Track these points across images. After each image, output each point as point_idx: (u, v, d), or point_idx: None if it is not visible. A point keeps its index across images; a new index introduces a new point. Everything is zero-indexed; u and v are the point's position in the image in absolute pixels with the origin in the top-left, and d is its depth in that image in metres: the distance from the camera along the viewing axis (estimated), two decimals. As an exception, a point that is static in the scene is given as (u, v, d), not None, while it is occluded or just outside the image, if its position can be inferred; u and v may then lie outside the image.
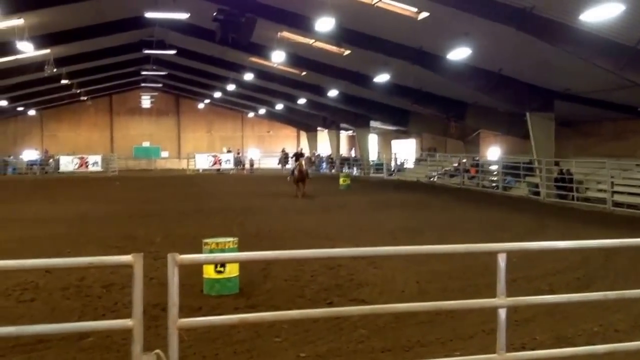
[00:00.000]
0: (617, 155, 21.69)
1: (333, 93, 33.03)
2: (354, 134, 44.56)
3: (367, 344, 6.23)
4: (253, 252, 6.29)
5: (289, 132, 56.76)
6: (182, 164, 47.74)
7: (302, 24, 21.05)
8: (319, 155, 50.22)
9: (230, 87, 39.02)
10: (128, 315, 6.64)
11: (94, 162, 42.90)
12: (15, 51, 23.52)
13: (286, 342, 6.24)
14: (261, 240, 12.39)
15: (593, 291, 7.42)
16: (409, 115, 34.82)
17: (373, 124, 41.21)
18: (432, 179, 33.29)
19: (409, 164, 41.40)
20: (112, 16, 24.62)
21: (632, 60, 15.34)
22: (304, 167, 22.44)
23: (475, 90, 23.43)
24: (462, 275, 9.18)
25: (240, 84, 37.20)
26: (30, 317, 7.10)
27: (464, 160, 30.93)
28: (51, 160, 43.92)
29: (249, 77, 32.95)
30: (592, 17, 13.95)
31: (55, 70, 27.42)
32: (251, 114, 53.97)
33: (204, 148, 50.99)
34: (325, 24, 18.71)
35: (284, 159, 47.35)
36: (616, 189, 19.52)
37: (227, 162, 45.13)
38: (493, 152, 33.58)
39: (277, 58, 25.59)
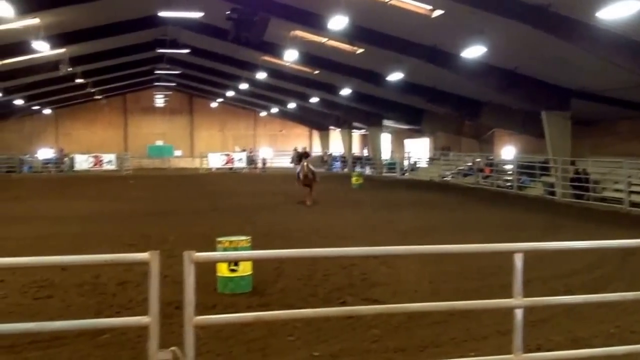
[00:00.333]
0: (634, 155, 21.42)
1: (346, 92, 32.98)
2: (367, 133, 44.47)
3: (380, 343, 6.21)
4: (267, 250, 6.30)
5: (301, 131, 56.78)
6: (195, 163, 47.91)
7: (315, 22, 21.01)
8: (331, 154, 50.19)
9: (243, 86, 39.08)
10: (142, 313, 6.67)
11: (109, 161, 43.18)
12: (31, 50, 23.71)
13: (299, 341, 6.24)
14: (273, 239, 12.39)
15: (610, 292, 7.34)
16: (423, 114, 34.68)
17: (386, 122, 41.08)
18: (445, 179, 33.15)
19: (422, 163, 41.24)
20: (126, 15, 24.74)
21: (650, 58, 15.18)
22: (307, 169, 19.65)
23: (490, 88, 23.26)
24: (476, 276, 9.13)
25: (253, 82, 37.26)
26: (47, 314, 7.16)
27: (478, 160, 30.77)
28: (66, 158, 44.27)
29: (261, 76, 32.99)
30: (609, 14, 13.80)
31: (70, 69, 27.63)
32: (263, 113, 54.05)
33: (216, 147, 51.13)
34: (338, 22, 18.67)
35: (296, 158, 47.36)
36: (633, 188, 19.30)
37: (240, 161, 45.23)
38: (508, 151, 33.36)
39: (290, 57, 25.59)
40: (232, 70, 35.86)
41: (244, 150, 48.00)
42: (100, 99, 48.42)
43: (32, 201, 21.68)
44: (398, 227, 14.70)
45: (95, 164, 42.65)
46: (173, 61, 37.23)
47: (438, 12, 17.88)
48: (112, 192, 25.84)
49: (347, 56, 25.45)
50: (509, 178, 27.90)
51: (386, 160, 43.34)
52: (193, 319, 3.98)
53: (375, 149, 41.22)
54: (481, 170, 29.91)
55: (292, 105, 44.36)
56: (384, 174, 39.40)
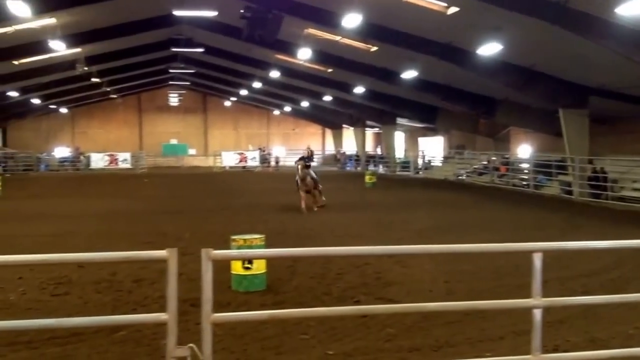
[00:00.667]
0: (653, 153, 21.19)
1: (359, 90, 32.91)
2: (380, 131, 44.35)
3: (394, 342, 6.19)
4: (282, 248, 6.31)
5: (314, 129, 56.77)
6: (209, 162, 48.10)
7: (328, 20, 20.97)
8: (344, 153, 50.14)
9: (257, 85, 39.16)
10: (158, 310, 6.74)
11: (124, 159, 43.46)
12: (47, 50, 23.96)
13: (313, 340, 6.24)
14: (287, 238, 12.40)
15: (628, 293, 7.24)
16: (437, 112, 34.50)
17: (400, 121, 40.94)
18: (460, 178, 32.97)
19: (437, 162, 41.05)
20: (141, 15, 24.89)
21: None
22: (302, 173, 17.31)
23: (506, 86, 23.07)
24: (492, 276, 9.06)
25: (266, 81, 37.31)
26: (65, 310, 7.23)
27: (494, 158, 30.55)
28: (82, 157, 44.66)
29: (275, 74, 33.02)
30: (629, 10, 13.62)
31: (86, 68, 27.89)
32: (277, 112, 54.12)
33: (230, 145, 51.29)
34: (352, 20, 18.64)
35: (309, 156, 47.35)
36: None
37: (253, 159, 45.34)
38: (524, 150, 33.10)
39: (303, 55, 25.60)
40: (245, 69, 35.94)
41: (259, 149, 48.10)
42: (116, 98, 48.79)
43: (49, 199, 21.89)
44: (412, 226, 14.64)
45: (111, 163, 42.96)
46: (187, 60, 37.38)
47: (453, 9, 17.76)
48: (128, 190, 26.02)
49: (361, 54, 25.39)
50: (525, 177, 27.68)
51: (400, 158, 43.20)
52: (210, 316, 4.01)
53: (389, 147, 41.10)
54: (497, 169, 29.70)
55: (305, 103, 44.36)
56: (398, 173, 39.28)
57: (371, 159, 45.45)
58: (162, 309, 6.66)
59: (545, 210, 18.20)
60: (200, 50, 31.05)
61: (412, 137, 47.52)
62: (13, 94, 34.47)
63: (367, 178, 28.28)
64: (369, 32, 21.10)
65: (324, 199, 18.13)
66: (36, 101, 39.65)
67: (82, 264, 9.04)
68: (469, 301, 6.71)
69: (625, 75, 18.78)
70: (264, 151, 48.03)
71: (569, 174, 22.84)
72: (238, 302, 7.49)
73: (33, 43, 23.51)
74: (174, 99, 54.09)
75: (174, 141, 53.93)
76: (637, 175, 20.34)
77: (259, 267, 8.08)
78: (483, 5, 16.10)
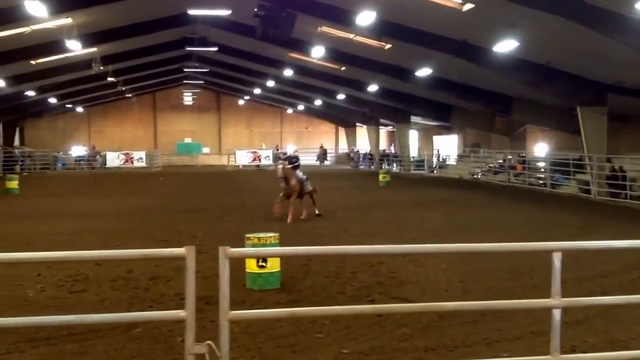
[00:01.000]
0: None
1: (373, 88, 32.80)
2: (394, 129, 44.20)
3: (410, 342, 6.17)
4: (297, 247, 6.30)
5: (328, 128, 56.72)
6: (223, 160, 48.26)
7: (342, 18, 20.92)
8: (357, 151, 50.05)
9: (270, 83, 39.20)
10: (174, 307, 6.76)
11: (139, 158, 43.73)
12: (63, 50, 24.16)
13: (328, 338, 6.23)
14: (300, 236, 12.40)
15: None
16: (452, 110, 34.29)
17: (414, 119, 40.75)
18: (475, 176, 32.75)
19: (451, 161, 40.82)
20: (156, 14, 25.02)
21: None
22: (279, 173, 15.19)
23: (522, 83, 22.85)
24: (508, 276, 8.99)
25: (280, 80, 37.33)
26: (82, 307, 7.30)
27: (510, 157, 30.32)
28: (98, 156, 45.01)
29: (288, 73, 33.02)
30: (648, 6, 13.45)
31: (101, 68, 28.07)
32: (290, 110, 54.17)
33: (244, 144, 51.44)
34: (366, 17, 18.58)
35: (322, 155, 47.37)
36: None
37: (267, 158, 45.42)
38: (540, 148, 32.81)
39: (317, 53, 25.57)
40: (259, 68, 35.99)
41: (275, 148, 48.18)
42: (131, 97, 49.12)
43: (66, 197, 22.10)
44: (427, 225, 14.58)
45: (126, 161, 43.24)
46: (201, 59, 37.53)
47: (468, 6, 17.63)
48: (143, 188, 26.19)
49: (375, 52, 25.31)
50: (541, 176, 27.43)
51: (414, 157, 43.03)
52: (228, 314, 4.02)
53: (403, 145, 40.95)
54: (513, 168, 29.47)
55: (318, 102, 44.33)
56: (412, 172, 39.14)
57: (385, 157, 45.33)
58: (178, 306, 6.69)
59: (563, 210, 18.02)
60: (214, 49, 31.15)
61: (427, 135, 47.31)
62: (30, 93, 34.80)
63: (381, 177, 28.20)
64: (383, 29, 21.01)
65: (317, 212, 15.65)
66: (53, 100, 39.99)
67: (99, 262, 9.11)
68: (486, 301, 6.67)
69: (644, 72, 18.55)
70: (277, 150, 48.13)
71: (587, 172, 22.58)
72: (253, 300, 7.51)
73: (49, 43, 23.71)
74: (188, 98, 54.35)
75: (188, 140, 54.19)
76: (656, 174, 20.07)
77: (274, 265, 8.09)
78: (499, 2, 15.97)
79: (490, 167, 32.56)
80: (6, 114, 39.52)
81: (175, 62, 38.20)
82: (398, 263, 9.65)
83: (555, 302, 4.36)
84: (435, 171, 38.46)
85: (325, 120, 54.93)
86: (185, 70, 41.44)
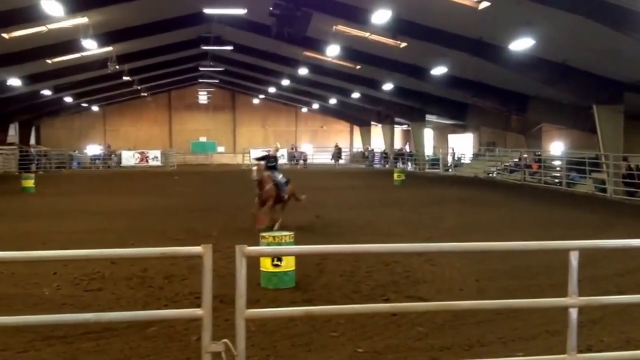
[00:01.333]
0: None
1: (388, 86, 32.72)
2: (409, 128, 44.05)
3: (425, 341, 6.15)
4: (313, 245, 6.30)
5: (342, 127, 56.66)
6: (238, 159, 48.42)
7: (357, 16, 20.90)
8: (372, 150, 49.95)
9: (285, 82, 39.25)
10: (189, 306, 6.80)
11: (154, 157, 44.03)
12: (79, 49, 24.37)
13: (343, 337, 6.23)
14: (315, 235, 12.40)
15: (666, 293, 7.06)
16: (467, 109, 34.10)
17: (429, 117, 40.59)
18: (491, 175, 32.55)
19: (467, 159, 40.61)
20: (172, 13, 25.15)
21: None
22: (254, 175, 13.27)
23: (538, 82, 22.69)
24: (523, 275, 8.94)
25: (295, 78, 37.36)
26: (98, 305, 7.35)
27: (525, 156, 30.10)
28: (113, 155, 45.34)
29: (303, 71, 33.03)
30: (665, 4, 13.29)
31: (117, 67, 28.25)
32: (305, 109, 54.19)
33: (258, 143, 51.55)
34: (381, 16, 18.54)
35: (337, 154, 47.35)
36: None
37: (281, 157, 45.49)
38: (556, 147, 32.53)
39: (332, 52, 25.56)
40: (274, 67, 36.04)
41: (292, 148, 48.24)
42: (146, 96, 49.41)
43: (82, 196, 22.28)
44: (442, 224, 14.51)
45: (141, 160, 43.56)
46: (216, 58, 37.67)
47: (485, 4, 17.53)
48: (158, 187, 26.34)
49: (390, 50, 25.24)
50: (557, 174, 27.21)
51: (429, 156, 42.87)
52: (245, 312, 4.03)
53: (418, 144, 40.80)
54: (528, 167, 29.26)
55: (333, 100, 44.32)
56: (427, 170, 38.99)
57: (400, 156, 45.20)
58: (193, 305, 6.75)
59: (579, 209, 17.86)
60: (230, 48, 31.25)
61: (442, 134, 47.09)
62: (46, 92, 35.12)
63: (395, 176, 28.13)
64: (398, 27, 20.95)
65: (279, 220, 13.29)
66: (68, 99, 40.34)
67: (115, 260, 9.18)
68: (501, 300, 6.63)
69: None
70: (292, 149, 48.18)
71: (603, 171, 22.38)
72: (268, 299, 7.52)
73: (66, 42, 23.92)
74: (203, 97, 54.59)
75: (203, 139, 54.43)
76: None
77: (288, 264, 8.10)
78: (515, 0, 15.86)
79: (505, 165, 32.34)
80: (22, 113, 39.94)
81: (190, 61, 38.38)
82: (413, 262, 9.63)
83: (572, 301, 4.33)
84: (450, 170, 38.28)
85: (340, 119, 54.88)
86: (201, 69, 41.63)
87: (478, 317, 6.72)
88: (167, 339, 6.11)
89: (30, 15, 19.33)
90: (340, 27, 23.51)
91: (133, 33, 25.72)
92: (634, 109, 22.13)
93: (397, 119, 44.46)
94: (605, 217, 15.90)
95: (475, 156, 39.24)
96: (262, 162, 13.72)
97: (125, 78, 34.76)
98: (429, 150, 44.64)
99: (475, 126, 39.87)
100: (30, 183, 23.98)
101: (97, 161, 45.39)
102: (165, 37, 28.29)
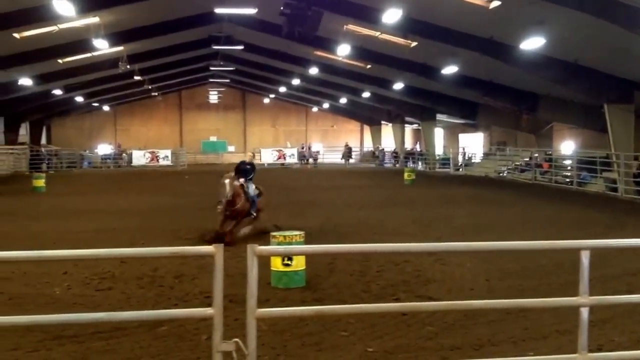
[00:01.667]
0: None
1: (399, 86, 32.66)
2: (420, 127, 43.94)
3: (435, 341, 6.14)
4: (324, 245, 6.30)
5: (353, 126, 56.62)
6: (248, 158, 48.46)
7: (368, 15, 20.88)
8: (382, 149, 49.87)
9: (295, 82, 39.28)
10: (199, 305, 6.81)
11: (165, 157, 44.17)
12: (91, 48, 24.50)
13: (353, 337, 6.22)
14: (326, 235, 12.40)
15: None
16: (478, 108, 33.99)
17: (439, 117, 40.47)
18: (501, 174, 32.41)
19: (477, 159, 40.45)
20: (182, 13, 25.23)
21: None
22: (227, 190, 11.34)
23: (549, 81, 22.57)
24: (534, 274, 8.89)
25: (305, 78, 37.38)
26: (108, 305, 7.37)
27: (536, 155, 29.95)
28: (124, 154, 45.55)
29: (313, 71, 33.05)
30: (678, 2, 13.16)
31: (128, 66, 28.36)
32: (315, 109, 54.20)
33: (269, 142, 51.65)
34: (392, 15, 18.51)
35: (347, 153, 47.35)
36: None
37: (291, 156, 45.55)
38: (567, 146, 32.34)
39: (342, 51, 25.54)
40: (284, 66, 36.08)
41: (302, 147, 48.28)
42: (157, 95, 49.61)
43: (92, 196, 22.39)
44: (453, 223, 14.46)
45: (152, 160, 43.72)
46: (227, 57, 37.75)
47: (495, 3, 17.46)
48: (168, 187, 26.45)
49: (401, 50, 25.19)
50: (568, 174, 27.05)
51: (439, 155, 42.74)
52: (256, 311, 4.03)
53: (429, 144, 40.70)
54: (539, 166, 29.11)
55: (343, 100, 44.31)
56: (437, 170, 38.88)
57: (410, 155, 45.12)
58: (203, 304, 6.76)
59: (590, 208, 17.75)
60: (240, 47, 31.30)
61: (452, 133, 46.95)
62: (57, 92, 35.33)
63: (406, 175, 28.09)
64: (409, 27, 20.91)
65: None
66: (79, 99, 40.56)
67: (125, 260, 9.21)
68: (512, 299, 6.60)
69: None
70: (302, 149, 48.23)
71: (614, 170, 22.23)
72: (278, 299, 7.52)
73: (77, 42, 24.04)
74: (213, 97, 54.73)
75: (213, 138, 54.59)
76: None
77: (299, 263, 8.10)
78: (526, -1, 15.80)
79: (516, 165, 32.19)
80: (33, 113, 40.20)
81: (201, 61, 38.49)
82: (423, 261, 9.61)
83: (583, 300, 4.31)
84: (460, 169, 38.16)
85: (351, 119, 54.85)
86: (211, 68, 41.74)
87: (488, 316, 6.70)
88: (177, 339, 6.13)
89: (41, 15, 19.45)
90: (351, 27, 23.49)
91: (144, 33, 25.82)
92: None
93: (407, 119, 44.37)
94: (616, 217, 15.80)
95: (486, 155, 39.09)
96: (238, 176, 11.87)
97: (136, 78, 34.92)
98: (439, 149, 44.51)
99: (486, 125, 39.73)
100: (41, 183, 24.12)
101: (107, 161, 45.61)
102: (176, 37, 28.38)
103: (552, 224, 14.45)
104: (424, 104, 37.25)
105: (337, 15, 21.30)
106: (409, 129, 50.37)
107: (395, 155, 46.51)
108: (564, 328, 6.20)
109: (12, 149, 37.86)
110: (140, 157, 43.85)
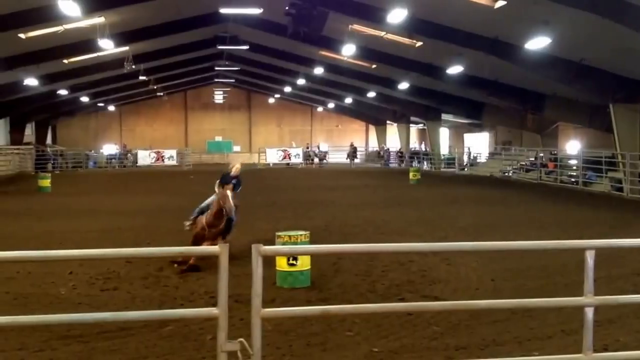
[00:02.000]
0: None
1: (404, 86, 32.60)
2: (425, 127, 43.88)
3: (440, 340, 6.13)
4: (329, 245, 6.30)
5: (358, 126, 56.58)
6: (253, 158, 48.54)
7: (373, 15, 20.85)
8: (387, 149, 49.82)
9: (300, 82, 39.27)
10: (204, 305, 6.82)
11: (170, 157, 44.21)
12: (96, 49, 24.53)
13: (358, 337, 6.22)
14: (331, 234, 12.40)
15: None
16: (483, 108, 33.91)
17: (445, 117, 40.41)
18: (506, 174, 32.34)
19: (482, 159, 40.36)
20: (188, 13, 25.25)
21: None
22: (226, 205, 9.68)
23: (554, 80, 22.49)
24: (539, 274, 8.87)
25: (310, 78, 37.35)
26: (113, 305, 7.38)
27: (541, 154, 29.86)
28: (129, 154, 45.64)
29: (318, 71, 33.03)
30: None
31: (133, 67, 28.42)
32: (320, 108, 54.19)
33: (274, 142, 51.66)
34: (397, 15, 18.49)
35: (352, 153, 47.32)
36: None
37: (297, 156, 45.56)
38: (572, 146, 32.24)
39: (348, 51, 25.52)
40: (289, 66, 36.08)
41: (307, 147, 48.29)
42: (162, 95, 49.68)
43: (98, 195, 22.45)
44: (458, 223, 14.43)
45: (157, 160, 43.76)
46: (232, 57, 37.78)
47: (500, 3, 17.41)
48: (174, 187, 26.49)
49: (406, 50, 25.15)
50: (573, 174, 26.96)
51: (445, 155, 42.67)
52: (261, 311, 4.03)
53: (434, 143, 40.64)
54: (544, 166, 29.02)
55: (348, 100, 44.29)
56: (443, 170, 38.82)
57: (415, 155, 45.05)
58: (208, 304, 6.77)
59: (595, 208, 17.69)
60: (245, 47, 31.31)
61: (457, 133, 46.86)
62: (63, 92, 35.38)
63: (411, 175, 28.06)
64: (414, 27, 20.88)
65: None
66: (85, 99, 40.64)
67: (130, 260, 9.22)
68: (517, 299, 6.58)
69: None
70: (307, 148, 48.22)
71: (620, 170, 22.15)
72: (283, 298, 7.52)
73: (82, 42, 24.06)
74: (219, 97, 54.77)
75: (218, 138, 54.64)
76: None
77: (304, 263, 8.10)
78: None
79: (521, 165, 32.11)
80: (39, 113, 40.32)
81: (206, 61, 38.54)
82: (429, 261, 9.59)
83: (588, 300, 4.29)
84: (466, 169, 38.09)
85: (356, 118, 54.82)
86: (216, 68, 41.79)
87: (494, 316, 6.69)
88: (182, 338, 6.14)
89: (47, 15, 19.49)
90: (356, 27, 23.47)
91: (149, 33, 25.85)
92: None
93: (412, 118, 44.31)
94: (622, 216, 15.75)
95: (491, 155, 39.00)
96: (228, 188, 10.28)
97: (142, 78, 34.96)
98: (444, 149, 44.44)
99: (491, 125, 39.64)
100: (46, 182, 24.19)
101: (113, 161, 45.68)
102: (181, 37, 28.42)
103: (557, 223, 14.41)
104: (429, 104, 37.20)
105: (342, 15, 21.28)
106: (414, 129, 50.31)
107: (400, 155, 46.47)
108: (569, 328, 6.18)
109: (17, 149, 38.00)
110: (145, 157, 43.90)
